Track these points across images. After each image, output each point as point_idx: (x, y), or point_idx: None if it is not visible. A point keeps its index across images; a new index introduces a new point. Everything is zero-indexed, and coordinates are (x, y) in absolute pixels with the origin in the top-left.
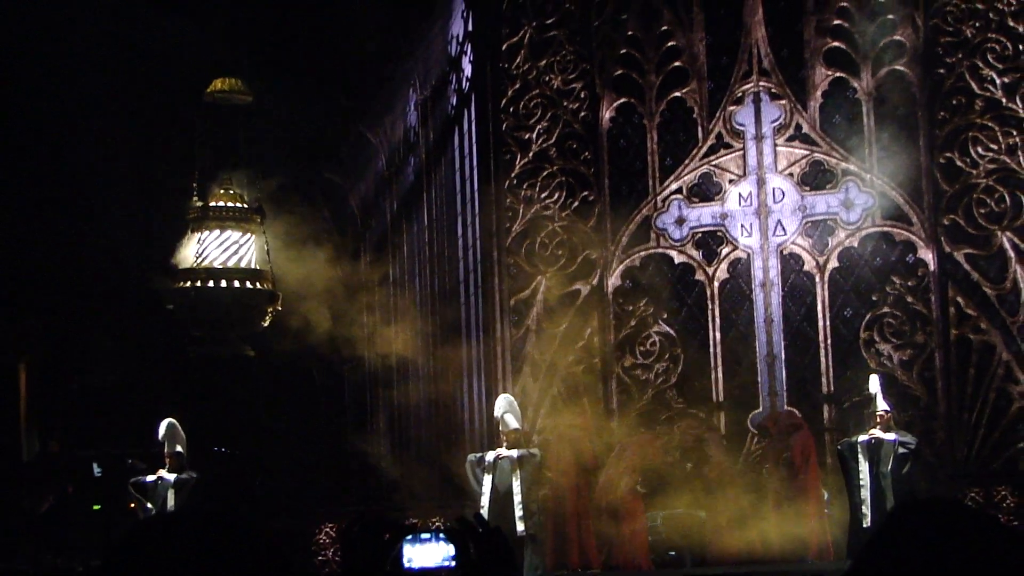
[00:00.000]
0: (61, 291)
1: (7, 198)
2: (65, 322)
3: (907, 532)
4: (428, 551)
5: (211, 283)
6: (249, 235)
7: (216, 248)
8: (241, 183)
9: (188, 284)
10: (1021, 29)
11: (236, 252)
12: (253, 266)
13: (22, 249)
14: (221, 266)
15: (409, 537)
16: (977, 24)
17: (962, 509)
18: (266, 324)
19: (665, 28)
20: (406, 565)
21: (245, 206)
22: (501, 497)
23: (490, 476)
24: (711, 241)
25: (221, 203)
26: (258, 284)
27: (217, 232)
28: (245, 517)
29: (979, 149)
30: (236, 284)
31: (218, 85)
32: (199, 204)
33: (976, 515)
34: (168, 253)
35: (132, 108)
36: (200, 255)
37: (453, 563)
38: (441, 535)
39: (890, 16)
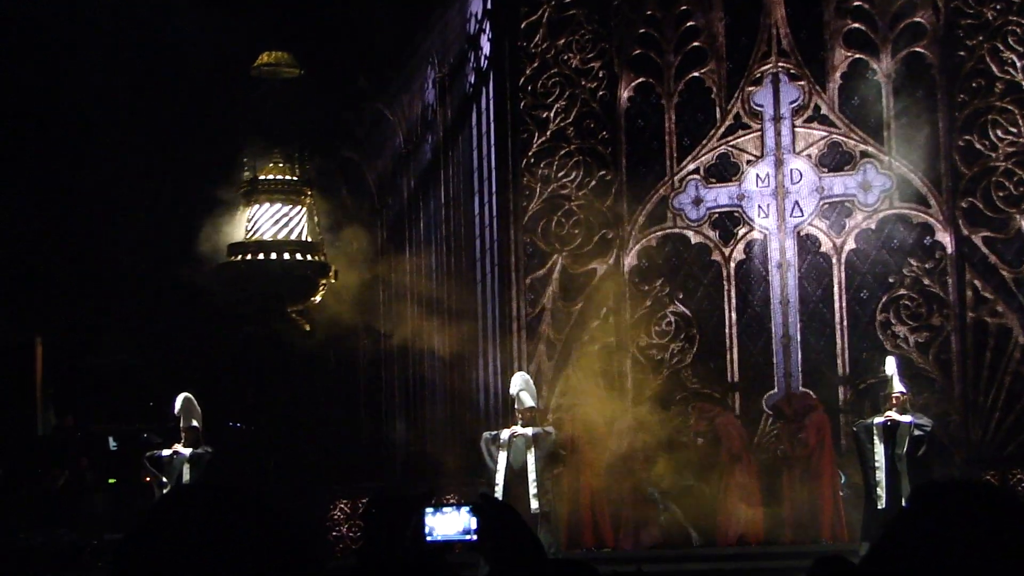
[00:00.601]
0: (78, 269)
1: (29, 177)
2: (82, 299)
3: (929, 514)
4: (450, 521)
5: (261, 256)
6: (300, 208)
7: (268, 221)
8: (291, 157)
9: (239, 258)
10: None
11: (287, 224)
12: (304, 238)
13: (41, 228)
14: (272, 239)
15: (431, 508)
16: (998, 6)
17: (984, 489)
18: (319, 299)
19: (684, 8)
20: (428, 536)
21: (295, 178)
22: (515, 475)
23: (505, 454)
24: (728, 222)
25: (271, 176)
26: (310, 256)
27: (267, 205)
28: (261, 493)
29: (998, 132)
30: (286, 256)
31: (265, 59)
32: (248, 177)
33: (999, 495)
34: (190, 233)
35: (153, 89)
36: (252, 229)
37: (475, 536)
38: (463, 506)
39: None
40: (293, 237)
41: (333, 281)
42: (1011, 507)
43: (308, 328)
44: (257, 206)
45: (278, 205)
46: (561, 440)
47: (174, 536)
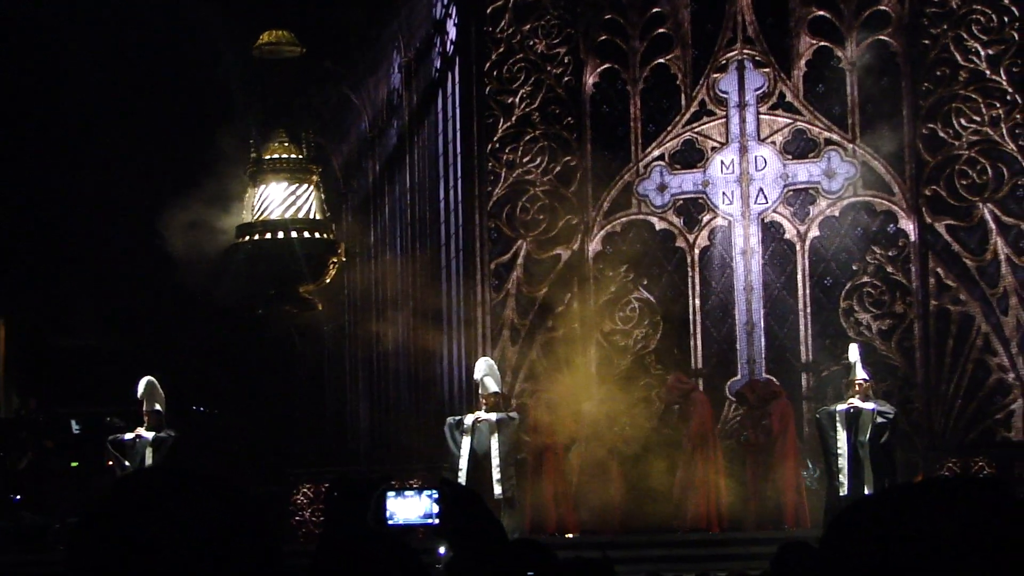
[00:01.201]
0: (43, 250)
1: None
2: (47, 281)
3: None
4: (410, 505)
5: (268, 236)
6: (308, 186)
7: (277, 200)
8: (294, 135)
9: (248, 239)
10: (1006, 1)
11: (295, 203)
12: (313, 216)
13: (5, 208)
14: (280, 217)
15: (392, 492)
16: None
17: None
18: (330, 279)
19: None
20: (389, 520)
21: (301, 156)
22: (479, 460)
23: (468, 438)
24: (692, 208)
25: (278, 155)
26: (318, 234)
27: (274, 184)
28: (223, 476)
29: (962, 120)
30: (294, 235)
31: (266, 38)
32: (255, 157)
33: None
34: (158, 214)
35: (121, 70)
36: (260, 208)
37: (436, 520)
38: (424, 490)
39: None
40: (301, 215)
41: (344, 260)
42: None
43: (320, 307)
44: (264, 186)
45: (284, 184)
46: (525, 426)
47: (130, 519)
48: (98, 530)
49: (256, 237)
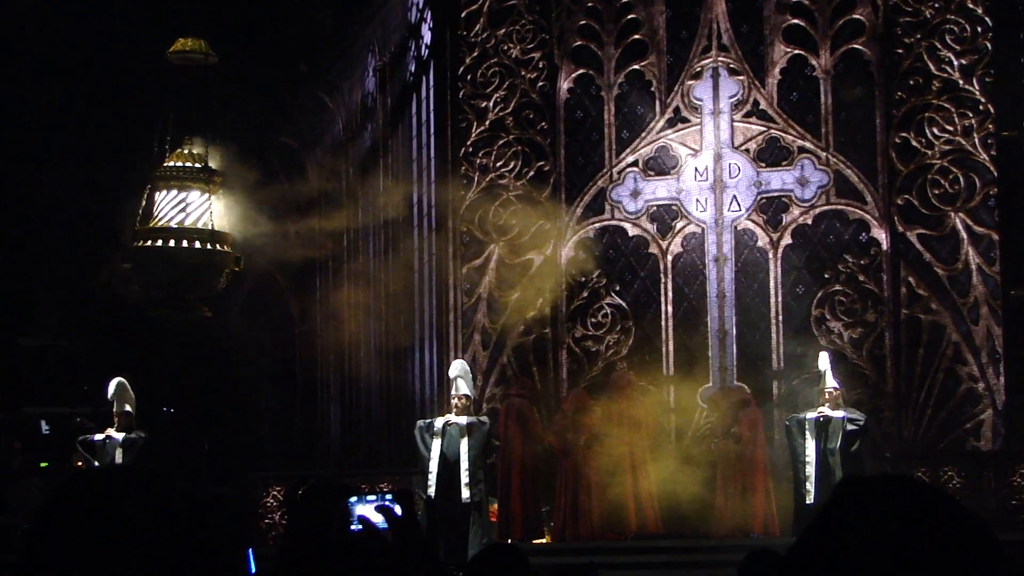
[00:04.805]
0: (8, 249)
1: None
2: (13, 279)
3: (850, 509)
4: (373, 512)
5: (171, 243)
6: (208, 196)
7: (173, 208)
8: (203, 145)
9: (148, 244)
10: (979, 11)
11: (193, 213)
12: (212, 227)
13: None
14: (178, 226)
15: (355, 498)
16: (936, 5)
17: (909, 484)
18: (223, 286)
19: (625, 1)
20: (353, 527)
21: (205, 167)
22: (449, 464)
23: (439, 442)
24: (666, 215)
25: (180, 163)
26: (218, 246)
27: (175, 192)
28: (186, 477)
29: (935, 130)
30: (196, 245)
31: (181, 45)
32: (161, 164)
33: (923, 490)
34: (115, 214)
35: (80, 67)
36: (158, 215)
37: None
38: (388, 496)
39: None
40: (194, 224)
41: (237, 270)
42: (935, 501)
43: (210, 314)
44: (165, 192)
45: (179, 192)
46: (494, 430)
47: (81, 520)
48: (53, 529)
49: (148, 243)
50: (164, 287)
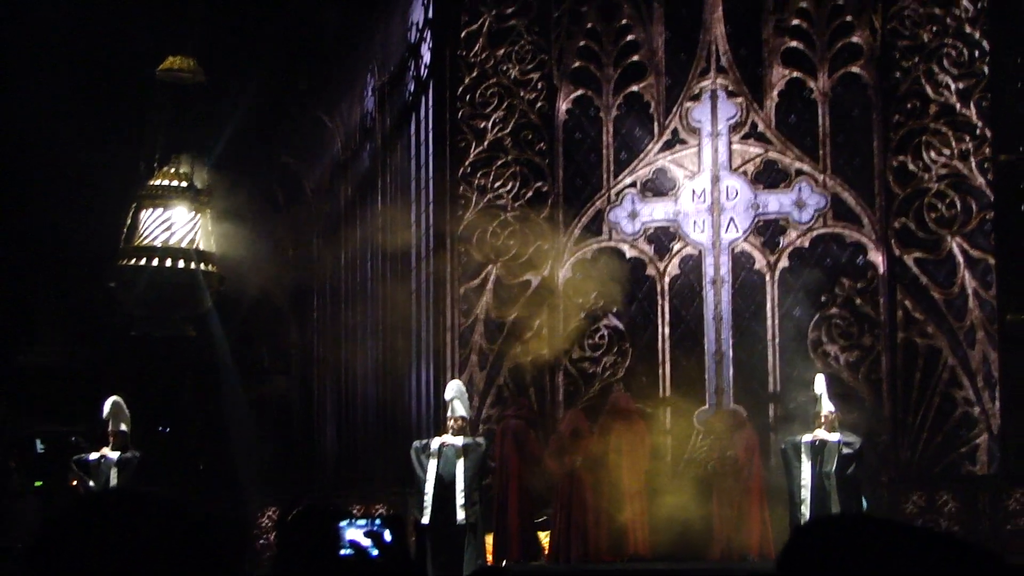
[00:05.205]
0: (3, 267)
1: None
2: (9, 297)
3: (812, 548)
4: (361, 535)
5: (155, 262)
6: (196, 215)
7: (159, 227)
8: (190, 163)
9: (133, 262)
10: (977, 35)
11: (178, 231)
12: (199, 247)
13: None
14: (162, 245)
15: (345, 522)
16: (934, 29)
17: (870, 522)
18: (209, 305)
19: (625, 22)
20: (343, 551)
21: (193, 186)
22: (445, 485)
23: (434, 463)
24: (663, 236)
25: (168, 182)
26: (203, 265)
27: (162, 211)
28: (185, 498)
29: (932, 153)
30: (181, 264)
31: (170, 64)
32: (147, 183)
33: (886, 526)
34: (113, 231)
35: (80, 85)
36: (143, 234)
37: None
38: (377, 521)
39: (848, 18)
40: (178, 243)
41: (220, 288)
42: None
43: (194, 334)
44: (151, 210)
45: (164, 211)
46: (491, 451)
47: (86, 541)
48: (54, 552)
49: (133, 262)
50: (148, 306)
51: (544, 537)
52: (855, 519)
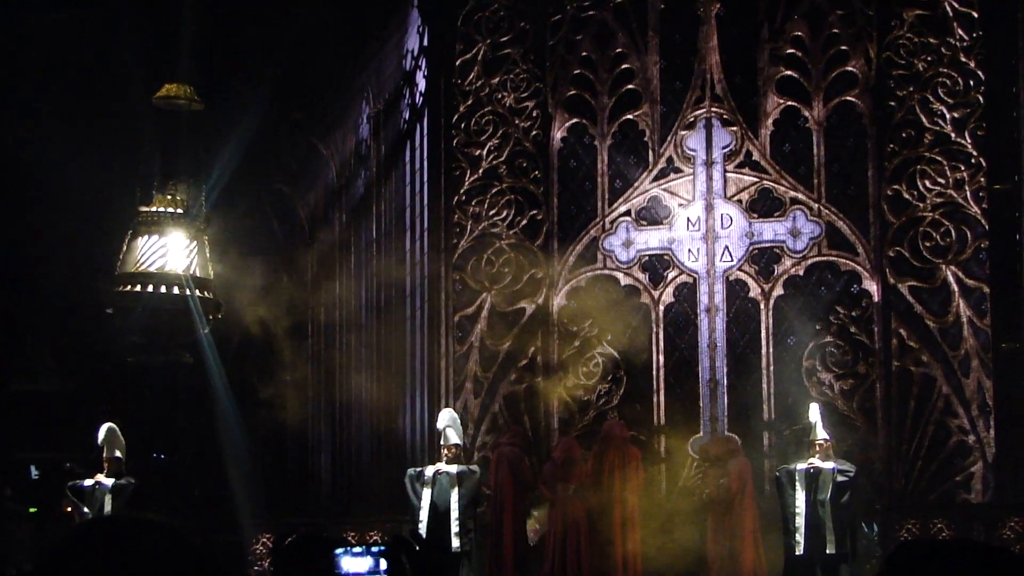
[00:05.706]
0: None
1: None
2: (1, 324)
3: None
4: (358, 562)
5: (151, 288)
6: (192, 242)
7: (155, 253)
8: (187, 190)
9: (128, 289)
10: (972, 65)
11: (175, 258)
12: (195, 273)
13: None
14: (158, 271)
15: (341, 550)
16: (929, 58)
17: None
18: (206, 332)
19: (619, 50)
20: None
21: (189, 212)
22: (439, 513)
23: (429, 491)
24: (658, 265)
25: (164, 209)
26: (199, 292)
27: (158, 237)
28: (181, 525)
29: (927, 182)
30: (176, 291)
31: (166, 91)
32: (143, 209)
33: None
34: (111, 258)
35: (76, 111)
36: (140, 260)
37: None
38: (373, 549)
39: (843, 47)
40: (174, 269)
41: (219, 316)
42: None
43: (191, 361)
44: (147, 237)
45: (160, 237)
46: (485, 479)
47: (85, 567)
48: None
49: (128, 288)
50: (144, 333)
51: None
52: (957, 542)
